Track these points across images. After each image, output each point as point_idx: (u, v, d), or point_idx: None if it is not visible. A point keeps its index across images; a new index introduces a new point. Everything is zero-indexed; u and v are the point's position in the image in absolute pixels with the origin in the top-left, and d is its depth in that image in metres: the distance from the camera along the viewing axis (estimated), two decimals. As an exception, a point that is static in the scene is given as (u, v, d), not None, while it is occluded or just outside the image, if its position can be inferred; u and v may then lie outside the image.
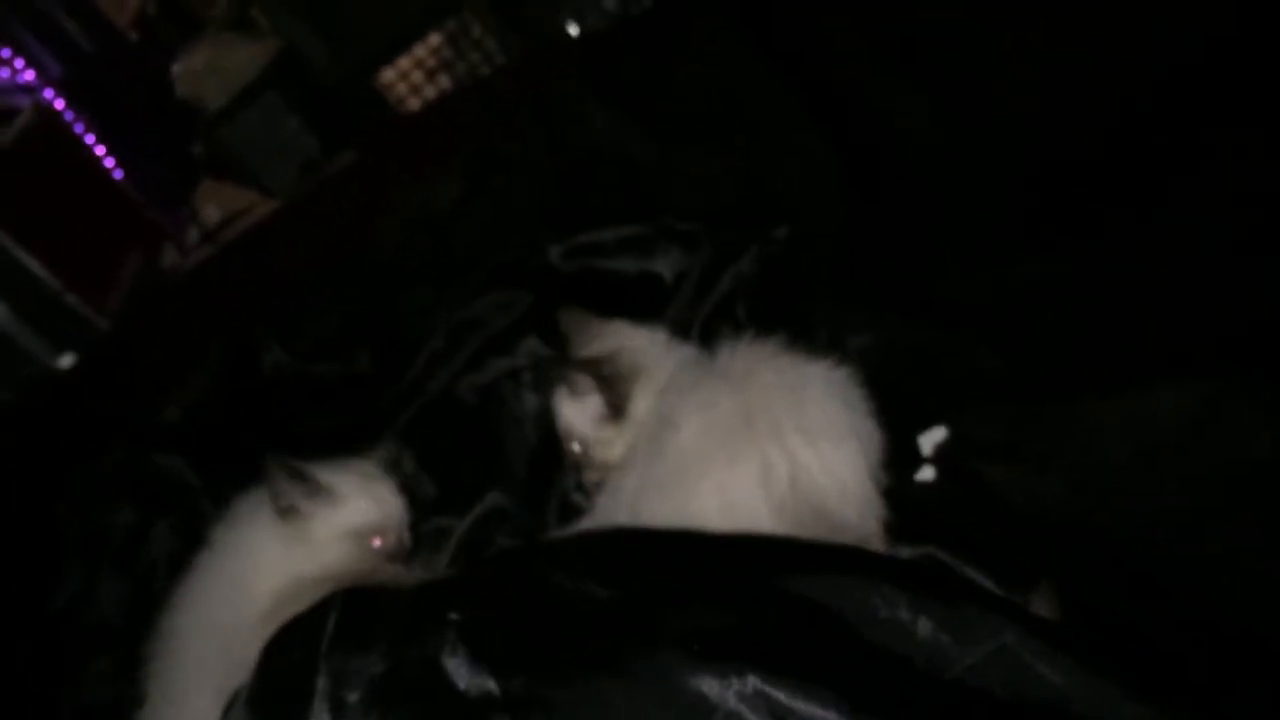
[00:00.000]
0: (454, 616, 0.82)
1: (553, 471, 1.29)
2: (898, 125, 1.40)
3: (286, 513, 1.16)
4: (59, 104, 3.23)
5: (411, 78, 2.90)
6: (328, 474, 1.18)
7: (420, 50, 2.90)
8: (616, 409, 1.12)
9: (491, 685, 0.78)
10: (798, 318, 1.15)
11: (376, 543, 1.19)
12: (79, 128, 3.26)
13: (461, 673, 0.80)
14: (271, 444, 1.52)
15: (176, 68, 2.88)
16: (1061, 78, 1.36)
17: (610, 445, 1.14)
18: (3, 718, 1.42)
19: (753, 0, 1.80)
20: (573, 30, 2.85)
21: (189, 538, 1.43)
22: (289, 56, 2.86)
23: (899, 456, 1.01)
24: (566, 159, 1.94)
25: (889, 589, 0.75)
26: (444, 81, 2.90)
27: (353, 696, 0.83)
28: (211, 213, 3.28)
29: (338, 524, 1.17)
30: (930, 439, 1.01)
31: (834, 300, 1.20)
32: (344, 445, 1.49)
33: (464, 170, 2.05)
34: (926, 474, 1.02)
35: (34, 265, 2.61)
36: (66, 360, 2.60)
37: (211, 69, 2.84)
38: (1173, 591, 0.86)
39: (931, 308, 1.15)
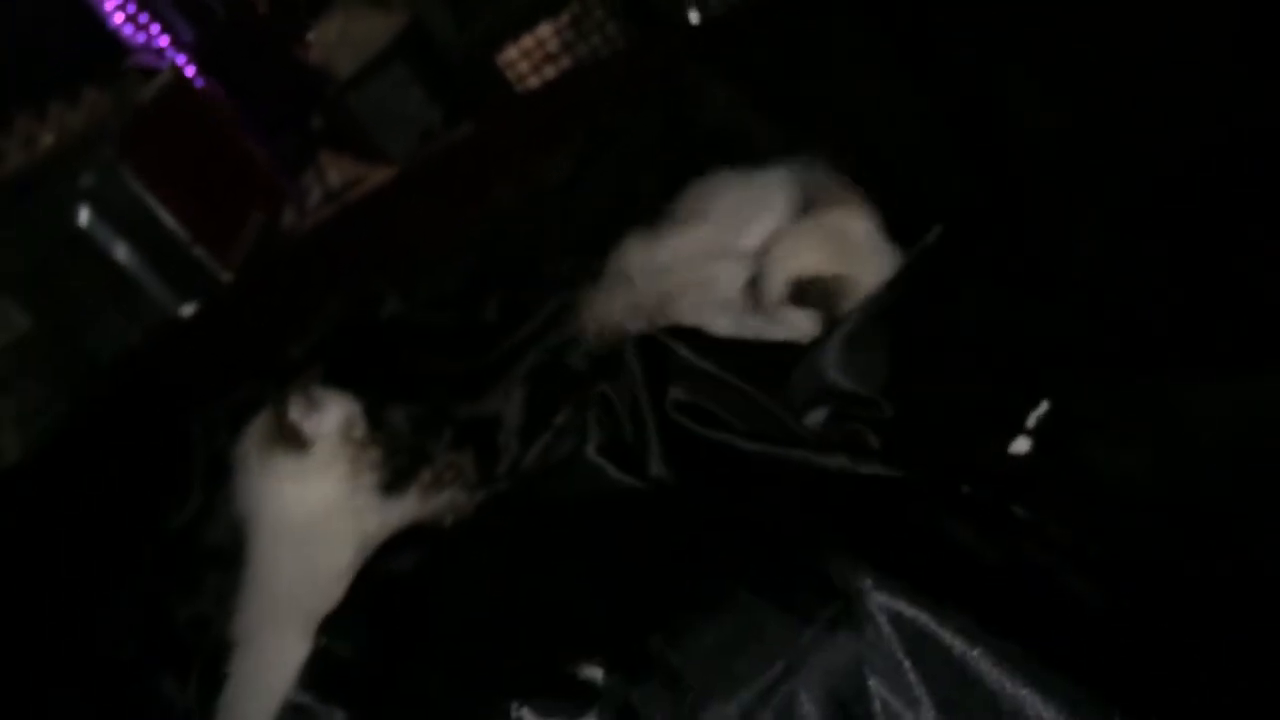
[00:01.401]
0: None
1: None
2: (1013, 110, 1.39)
3: (291, 438, 1.28)
4: (191, 69, 3.37)
5: (533, 56, 2.95)
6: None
7: (543, 30, 2.95)
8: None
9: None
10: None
11: (356, 434, 1.31)
12: (211, 91, 3.40)
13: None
14: (388, 383, 1.60)
15: (310, 35, 2.98)
16: (1183, 94, 1.34)
17: None
18: (122, 619, 1.50)
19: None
20: (694, 17, 2.87)
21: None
22: (417, 29, 2.94)
23: (997, 428, 1.02)
24: (685, 138, 1.97)
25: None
26: (565, 62, 2.95)
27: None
28: (330, 181, 3.39)
29: (330, 428, 1.30)
30: (1035, 414, 1.02)
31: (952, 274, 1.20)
32: (457, 390, 1.55)
33: (581, 145, 2.09)
34: (1021, 446, 1.02)
35: (166, 216, 2.72)
36: (189, 309, 2.72)
37: (342, 38, 2.93)
38: (1252, 564, 0.87)
39: (1039, 282, 1.15)
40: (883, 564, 0.71)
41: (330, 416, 1.32)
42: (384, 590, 1.17)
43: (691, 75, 2.07)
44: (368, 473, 1.31)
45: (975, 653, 0.68)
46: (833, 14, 1.90)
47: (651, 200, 1.80)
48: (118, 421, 2.16)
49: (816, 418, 1.14)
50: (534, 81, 2.96)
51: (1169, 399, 1.00)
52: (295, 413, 1.30)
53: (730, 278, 1.30)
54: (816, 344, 1.15)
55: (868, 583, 0.71)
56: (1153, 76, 1.37)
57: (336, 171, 3.40)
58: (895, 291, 1.19)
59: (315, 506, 1.28)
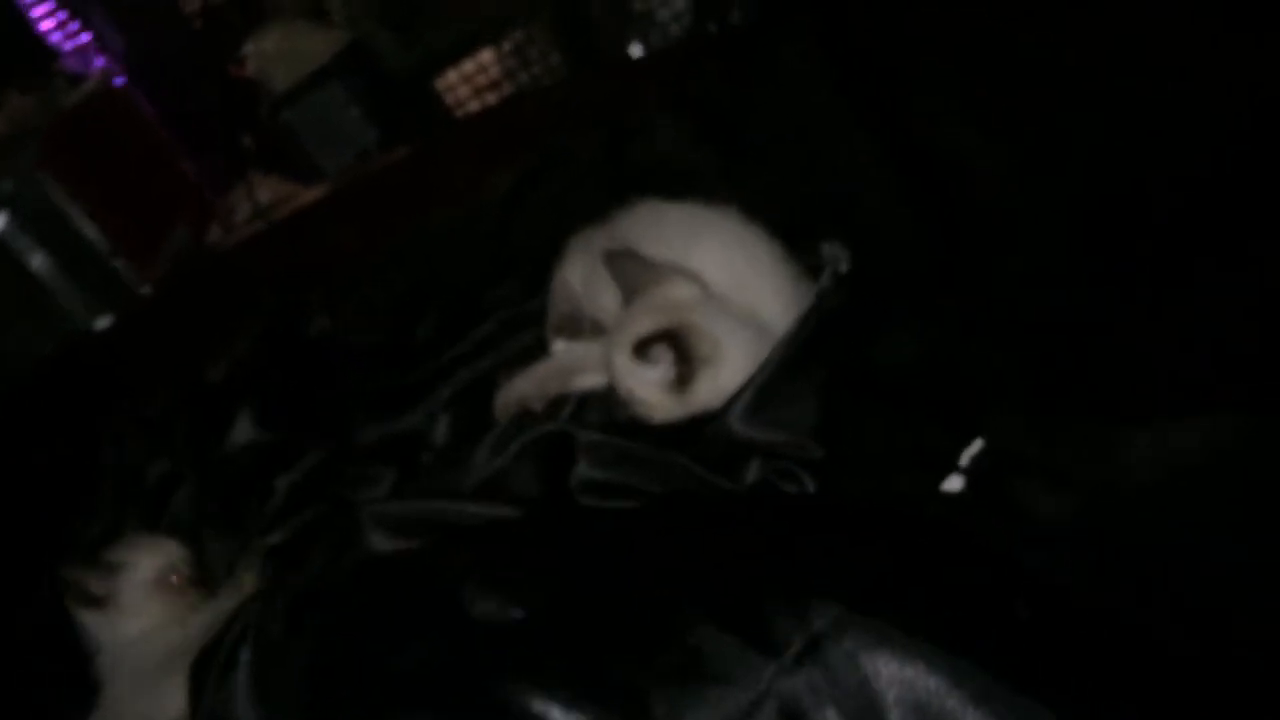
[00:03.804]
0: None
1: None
2: (965, 154, 1.41)
3: (100, 602, 1.30)
4: (120, 78, 3.28)
5: (474, 82, 2.93)
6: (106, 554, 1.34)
7: (485, 56, 2.94)
8: (684, 382, 1.13)
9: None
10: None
11: (175, 579, 1.33)
12: (139, 101, 3.31)
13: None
14: (312, 404, 1.55)
15: (247, 47, 2.93)
16: (1132, 126, 1.37)
17: (668, 414, 1.15)
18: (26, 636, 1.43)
19: (830, 27, 1.81)
20: (635, 51, 2.89)
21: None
22: (356, 48, 2.90)
23: (930, 466, 1.02)
24: (627, 165, 1.96)
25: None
26: (506, 89, 2.93)
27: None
28: (259, 198, 3.31)
29: (139, 582, 1.31)
30: (968, 453, 1.02)
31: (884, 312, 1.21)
32: (382, 409, 1.51)
33: (521, 167, 2.07)
34: (954, 484, 1.02)
35: (85, 225, 2.64)
36: (104, 322, 2.63)
37: (281, 53, 2.88)
38: (1179, 600, 0.88)
39: (971, 320, 1.16)
40: (849, 598, 0.70)
41: (142, 566, 1.32)
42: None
43: (636, 106, 2.08)
44: (192, 614, 1.31)
45: (937, 683, 0.67)
46: (778, 48, 1.91)
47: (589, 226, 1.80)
48: (25, 432, 2.07)
49: (745, 475, 1.13)
50: (473, 107, 2.94)
51: (1101, 440, 1.01)
52: (80, 571, 1.31)
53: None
54: (728, 403, 1.15)
55: (832, 616, 0.69)
56: (1093, 117, 1.40)
57: (266, 189, 3.33)
58: (805, 334, 1.18)
59: (142, 652, 1.29)
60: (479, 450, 1.32)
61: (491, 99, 2.89)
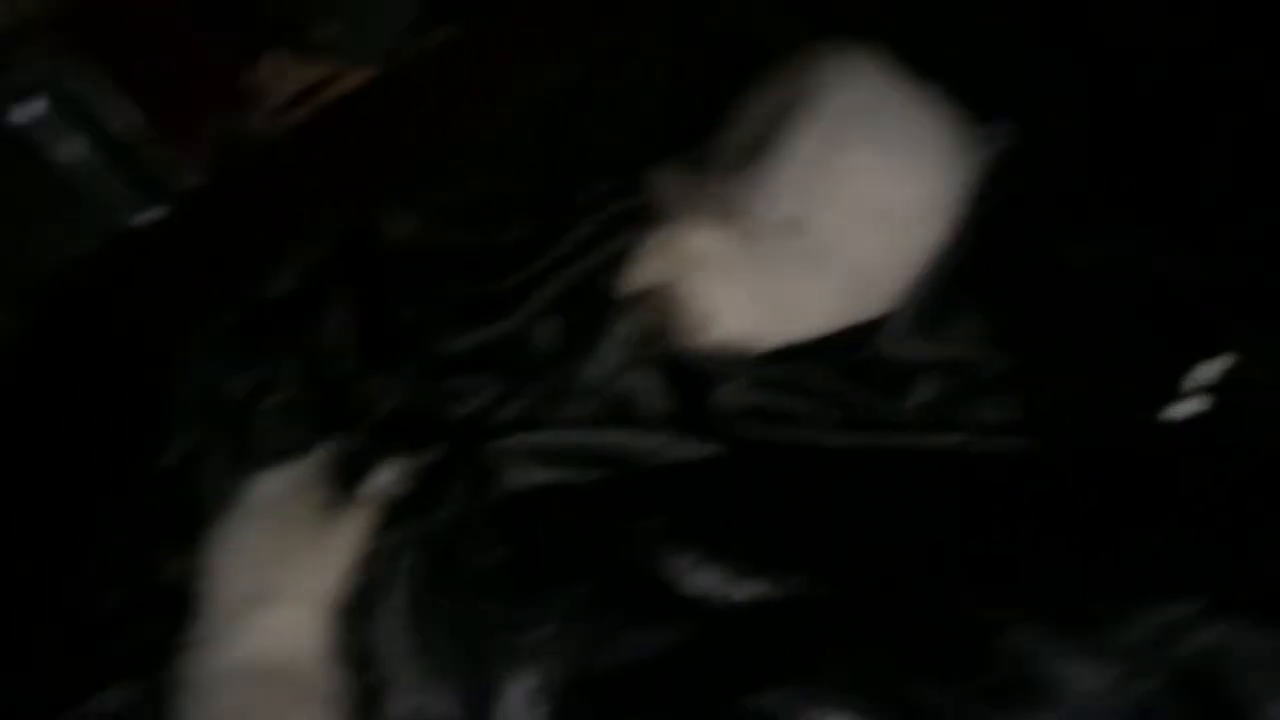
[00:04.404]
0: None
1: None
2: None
3: None
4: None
5: (523, -46, 2.73)
6: None
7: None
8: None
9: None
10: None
11: None
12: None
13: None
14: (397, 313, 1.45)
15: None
16: None
17: None
18: (102, 569, 1.36)
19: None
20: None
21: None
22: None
23: (1150, 389, 0.91)
24: (699, 47, 1.80)
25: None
26: (557, -39, 2.72)
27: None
28: (290, 83, 3.14)
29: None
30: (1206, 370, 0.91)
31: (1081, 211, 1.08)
32: (474, 317, 1.41)
33: (585, 57, 1.91)
34: (1182, 410, 0.91)
35: (122, 110, 2.49)
36: (148, 217, 2.50)
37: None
38: None
39: (1192, 237, 1.03)
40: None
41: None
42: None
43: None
44: None
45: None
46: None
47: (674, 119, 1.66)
48: (75, 346, 1.97)
49: (912, 394, 1.03)
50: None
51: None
52: None
53: None
54: (888, 316, 1.05)
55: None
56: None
57: (296, 73, 3.15)
58: (974, 229, 1.07)
59: None
60: (592, 361, 1.23)
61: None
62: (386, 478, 1.19)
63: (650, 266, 1.16)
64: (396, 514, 1.06)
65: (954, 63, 1.22)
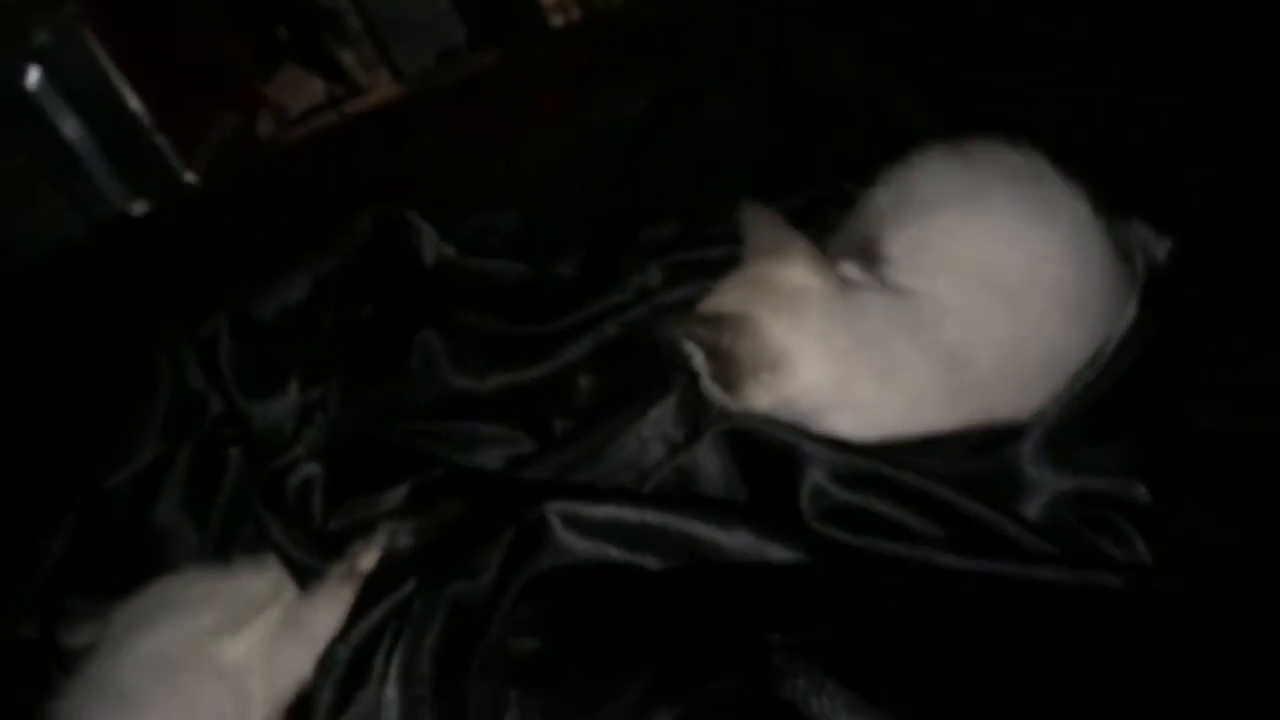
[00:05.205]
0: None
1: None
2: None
3: None
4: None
5: (577, -11, 2.60)
6: None
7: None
8: (725, 385, 0.94)
9: None
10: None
11: None
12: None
13: None
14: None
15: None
16: None
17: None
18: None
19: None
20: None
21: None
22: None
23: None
24: (789, 95, 1.65)
25: None
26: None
27: None
28: (313, 93, 2.99)
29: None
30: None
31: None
32: (507, 356, 1.22)
33: (652, 91, 1.75)
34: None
35: (128, 93, 2.31)
36: (143, 207, 2.31)
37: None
38: None
39: None
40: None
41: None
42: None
43: (794, 26, 1.77)
44: None
45: None
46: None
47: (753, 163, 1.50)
48: (43, 327, 1.77)
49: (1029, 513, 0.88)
50: (575, 14, 2.60)
51: None
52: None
53: None
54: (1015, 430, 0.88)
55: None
56: None
57: (311, 88, 3.00)
58: (1130, 355, 0.91)
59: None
60: (637, 426, 1.04)
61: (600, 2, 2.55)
62: (383, 536, 0.98)
63: (730, 294, 0.98)
64: (417, 568, 0.86)
65: (1105, 157, 1.06)
